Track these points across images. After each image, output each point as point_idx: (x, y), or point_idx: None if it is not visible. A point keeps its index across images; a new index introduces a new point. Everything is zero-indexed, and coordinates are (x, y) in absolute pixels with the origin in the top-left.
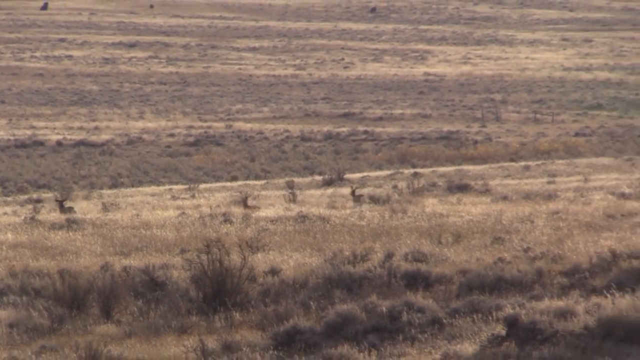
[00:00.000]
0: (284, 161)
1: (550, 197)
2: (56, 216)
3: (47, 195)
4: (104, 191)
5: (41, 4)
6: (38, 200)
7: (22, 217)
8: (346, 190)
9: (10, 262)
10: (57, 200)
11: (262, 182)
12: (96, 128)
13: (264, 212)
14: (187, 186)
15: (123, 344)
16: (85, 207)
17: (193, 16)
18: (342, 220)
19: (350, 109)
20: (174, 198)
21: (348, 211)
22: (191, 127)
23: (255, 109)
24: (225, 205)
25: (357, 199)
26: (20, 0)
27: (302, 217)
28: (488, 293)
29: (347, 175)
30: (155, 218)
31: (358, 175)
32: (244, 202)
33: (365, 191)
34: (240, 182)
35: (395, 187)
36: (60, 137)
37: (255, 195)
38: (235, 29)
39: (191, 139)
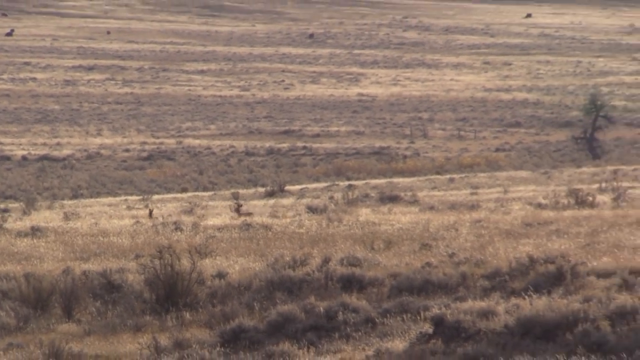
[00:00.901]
0: (230, 174)
1: (473, 207)
2: (22, 224)
3: (14, 205)
4: (65, 202)
5: (7, 30)
6: (5, 210)
7: None
8: (287, 201)
9: None
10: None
11: (210, 193)
12: (58, 144)
13: (211, 221)
14: (141, 197)
15: (83, 341)
16: (48, 217)
17: (146, 42)
18: (283, 228)
19: (290, 127)
20: (129, 208)
21: (288, 220)
22: (145, 143)
23: (203, 126)
24: (176, 214)
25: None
26: None
27: (247, 226)
28: (416, 295)
29: (288, 187)
30: (112, 226)
31: (297, 187)
32: (237, 209)
33: (304, 201)
34: (189, 194)
35: (331, 198)
36: (25, 152)
37: (203, 206)
38: (185, 54)
39: (145, 154)
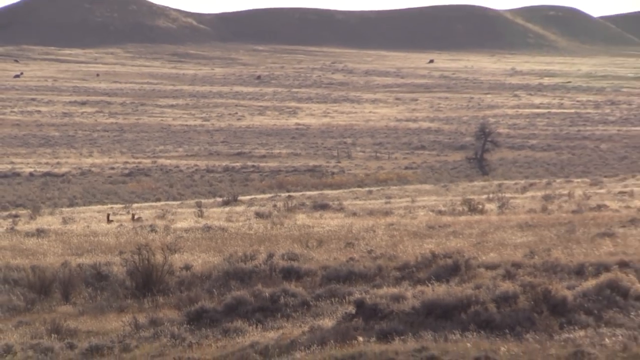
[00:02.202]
0: (194, 187)
1: (387, 213)
2: (29, 227)
3: (22, 212)
4: (63, 209)
5: (17, 73)
6: (16, 216)
7: (4, 228)
8: (240, 208)
9: None
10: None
11: (178, 202)
12: (58, 163)
13: (179, 224)
14: (123, 205)
15: (78, 320)
16: (50, 221)
17: (128, 82)
18: (237, 230)
19: (242, 150)
20: (113, 213)
21: (241, 223)
22: (127, 162)
23: (173, 149)
24: (152, 219)
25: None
26: (2, 71)
27: (207, 228)
28: (342, 283)
29: (240, 198)
30: (101, 228)
31: (248, 197)
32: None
33: (253, 209)
34: (162, 203)
35: (274, 206)
36: (32, 169)
37: (173, 212)
38: (158, 91)
39: (127, 171)
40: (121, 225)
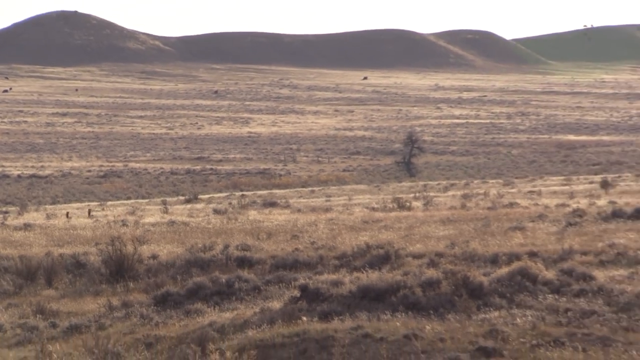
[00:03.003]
0: (160, 187)
1: (327, 210)
2: (17, 222)
3: (11, 208)
4: (47, 206)
5: (6, 88)
6: (6, 212)
7: None
8: (200, 206)
9: None
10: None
11: (147, 200)
12: (42, 166)
13: (147, 219)
14: (99, 203)
15: (59, 302)
16: (35, 216)
17: (103, 96)
18: (197, 224)
19: (202, 155)
20: (91, 210)
21: (200, 219)
22: (102, 166)
23: (142, 154)
24: (123, 215)
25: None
26: None
27: (172, 222)
28: (289, 270)
29: (200, 196)
30: (79, 223)
31: (207, 196)
32: (88, 213)
33: (211, 206)
34: (132, 201)
35: (230, 203)
36: (19, 172)
37: (142, 209)
38: (129, 104)
39: (102, 174)
40: (97, 220)
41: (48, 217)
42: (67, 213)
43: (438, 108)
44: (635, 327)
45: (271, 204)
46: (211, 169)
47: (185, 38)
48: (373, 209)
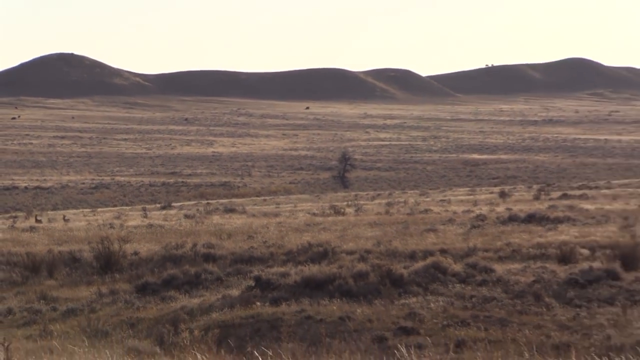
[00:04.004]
0: (141, 197)
1: (276, 215)
2: (24, 225)
3: (20, 214)
4: (49, 212)
5: (15, 116)
6: (15, 217)
7: (7, 226)
8: (173, 212)
9: (1, 248)
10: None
11: (130, 207)
12: (45, 180)
13: (130, 223)
14: (91, 210)
15: (58, 290)
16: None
17: (94, 122)
18: (171, 226)
19: (174, 170)
20: (84, 215)
21: (174, 222)
22: (93, 179)
23: (126, 170)
24: (111, 219)
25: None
26: (3, 115)
27: (150, 225)
28: (245, 264)
29: (173, 204)
30: (75, 226)
31: (179, 204)
32: (36, 219)
33: (182, 212)
34: (118, 207)
35: (197, 210)
36: (26, 184)
37: (126, 214)
38: (116, 129)
39: (93, 186)
40: (89, 223)
41: (49, 221)
42: (64, 216)
43: (366, 132)
44: (527, 310)
45: (231, 210)
46: (182, 181)
47: (161, 75)
48: (314, 214)
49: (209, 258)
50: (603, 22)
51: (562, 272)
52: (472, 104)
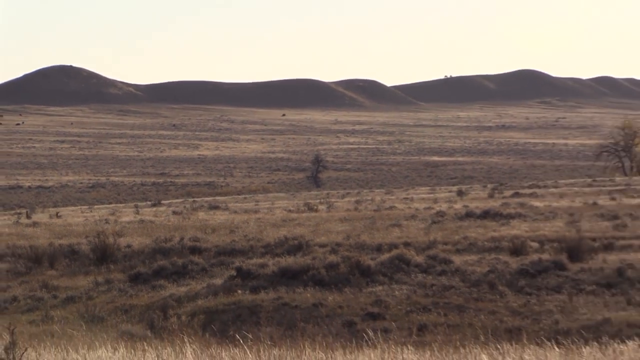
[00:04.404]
0: (133, 195)
1: (256, 211)
2: (28, 221)
3: (24, 211)
4: (50, 209)
5: (19, 122)
6: (19, 213)
7: (12, 221)
8: (162, 209)
9: (7, 242)
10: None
11: (123, 205)
12: (46, 180)
13: (124, 218)
14: (88, 207)
15: (59, 280)
16: (41, 217)
17: (90, 128)
18: (161, 222)
19: (164, 171)
20: (82, 212)
21: (163, 218)
22: (90, 179)
23: (120, 171)
24: (106, 215)
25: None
26: (8, 121)
27: (142, 221)
28: (228, 256)
29: (163, 202)
30: (74, 221)
31: (168, 201)
32: (27, 215)
33: (171, 209)
34: (113, 205)
35: (184, 207)
36: (29, 184)
37: (120, 211)
38: (111, 134)
39: (90, 185)
40: (87, 219)
41: (51, 217)
42: (57, 213)
43: (337, 137)
44: (483, 298)
45: (215, 207)
46: (171, 181)
47: (151, 85)
48: (289, 211)
49: (195, 250)
50: (552, 36)
51: (514, 263)
52: (433, 111)
